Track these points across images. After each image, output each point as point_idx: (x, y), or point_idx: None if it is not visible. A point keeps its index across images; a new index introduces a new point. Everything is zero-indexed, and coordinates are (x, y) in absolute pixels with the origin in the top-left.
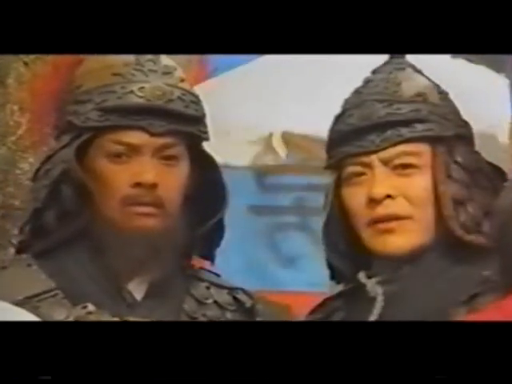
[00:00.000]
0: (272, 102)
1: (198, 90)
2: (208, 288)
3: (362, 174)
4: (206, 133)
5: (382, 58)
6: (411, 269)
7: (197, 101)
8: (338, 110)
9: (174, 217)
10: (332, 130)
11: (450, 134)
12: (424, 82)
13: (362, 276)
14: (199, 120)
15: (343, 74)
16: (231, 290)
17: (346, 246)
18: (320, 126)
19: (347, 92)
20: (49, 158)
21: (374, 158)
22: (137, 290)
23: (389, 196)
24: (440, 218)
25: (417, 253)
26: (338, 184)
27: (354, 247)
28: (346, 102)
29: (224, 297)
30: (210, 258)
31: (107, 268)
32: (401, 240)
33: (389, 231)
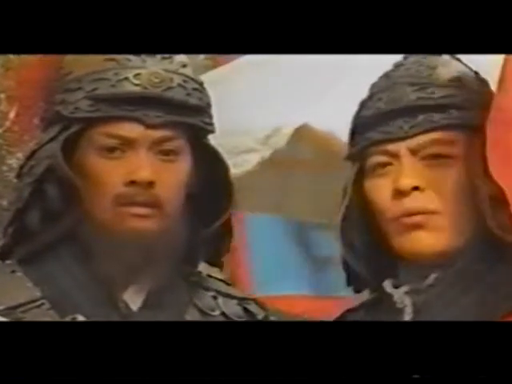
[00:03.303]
0: (287, 97)
1: (205, 77)
2: (215, 298)
3: (387, 164)
4: (211, 124)
5: (395, 58)
6: (444, 273)
7: (200, 88)
8: (353, 107)
9: (174, 218)
10: (356, 116)
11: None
12: (462, 68)
13: (387, 285)
14: (203, 110)
15: (358, 73)
16: (242, 300)
17: (366, 245)
18: (336, 122)
19: (361, 90)
20: (34, 152)
21: (401, 147)
22: (133, 299)
23: (417, 188)
24: (476, 215)
25: (449, 253)
26: (360, 176)
27: (376, 247)
28: (374, 85)
29: (233, 308)
30: (219, 264)
31: (98, 275)
32: (430, 238)
33: (417, 227)
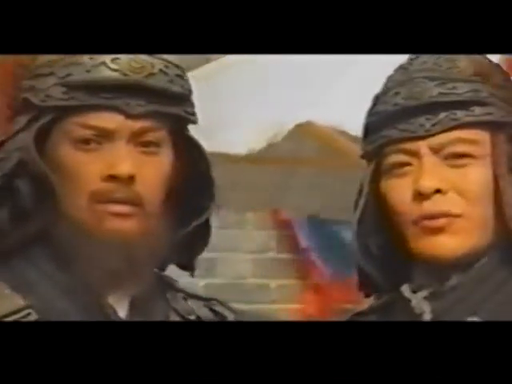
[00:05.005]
0: (289, 94)
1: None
2: (185, 299)
3: (406, 163)
4: (193, 114)
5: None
6: (464, 277)
7: (182, 74)
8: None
9: (155, 217)
10: (371, 112)
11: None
12: (483, 61)
13: (405, 289)
14: (185, 98)
15: (360, 70)
16: (207, 301)
17: (382, 248)
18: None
19: (364, 87)
20: (1, 144)
21: (422, 145)
22: (117, 306)
23: (439, 191)
24: (500, 218)
25: (471, 258)
26: (376, 175)
27: (392, 250)
28: (390, 79)
29: (202, 311)
30: (190, 267)
31: (78, 280)
32: (452, 241)
33: (437, 231)
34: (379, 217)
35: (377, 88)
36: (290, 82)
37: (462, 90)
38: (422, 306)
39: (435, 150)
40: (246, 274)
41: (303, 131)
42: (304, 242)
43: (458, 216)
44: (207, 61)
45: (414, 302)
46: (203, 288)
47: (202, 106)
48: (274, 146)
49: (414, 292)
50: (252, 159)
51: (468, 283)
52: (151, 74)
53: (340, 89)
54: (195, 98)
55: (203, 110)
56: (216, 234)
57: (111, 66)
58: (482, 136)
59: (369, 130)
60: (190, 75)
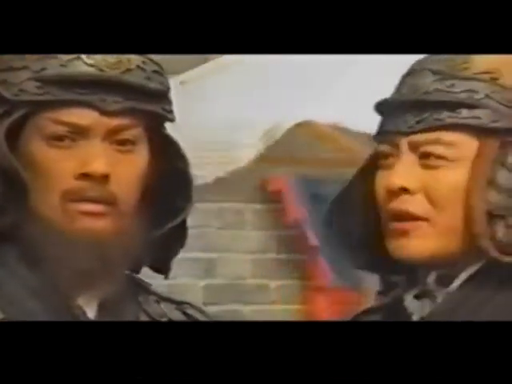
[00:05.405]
0: (288, 94)
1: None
2: (158, 302)
3: (389, 155)
4: (170, 112)
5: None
6: (464, 281)
7: (160, 71)
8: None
9: (129, 217)
10: (391, 96)
11: (508, 126)
12: (506, 59)
13: (406, 291)
14: (163, 95)
15: (361, 70)
16: (179, 304)
17: (362, 238)
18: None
19: (365, 88)
20: None
21: (403, 142)
22: (87, 307)
23: (405, 189)
24: (470, 231)
25: (446, 259)
26: (370, 160)
27: (374, 242)
28: (415, 63)
29: (175, 313)
30: (164, 269)
31: (50, 280)
32: (415, 244)
33: (402, 233)
34: (363, 207)
35: (376, 88)
36: (290, 82)
37: (458, 89)
38: (413, 305)
39: (413, 148)
40: (245, 274)
41: (303, 131)
42: (313, 239)
43: (423, 220)
44: (205, 61)
45: (414, 305)
46: (203, 289)
47: (202, 106)
48: (274, 146)
49: (416, 296)
50: (251, 159)
51: (467, 285)
52: (128, 70)
53: (340, 89)
54: (195, 98)
55: (202, 111)
56: (216, 235)
57: (87, 61)
58: (465, 140)
59: (382, 113)
60: (189, 75)
